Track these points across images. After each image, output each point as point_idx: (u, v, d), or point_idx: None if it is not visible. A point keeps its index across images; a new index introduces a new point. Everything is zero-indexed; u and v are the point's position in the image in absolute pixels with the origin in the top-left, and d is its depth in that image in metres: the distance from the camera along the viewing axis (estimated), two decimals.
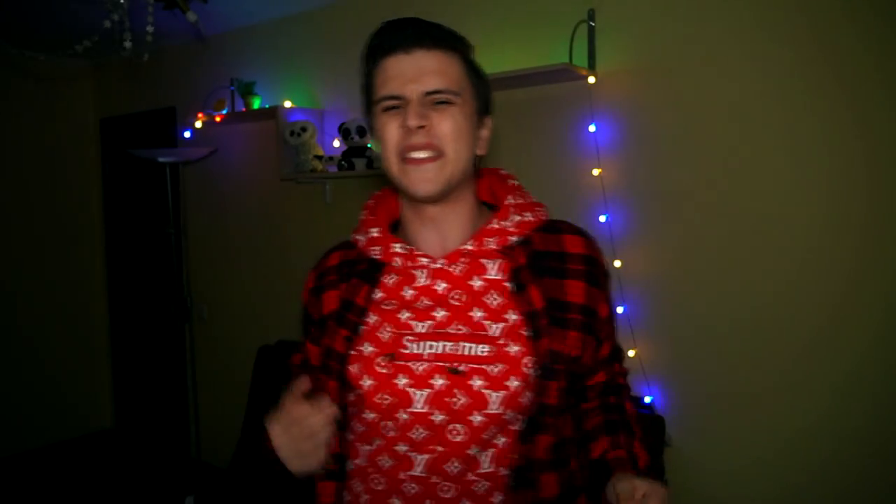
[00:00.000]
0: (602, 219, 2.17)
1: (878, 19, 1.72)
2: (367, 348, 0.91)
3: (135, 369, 4.13)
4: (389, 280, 0.94)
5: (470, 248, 0.92)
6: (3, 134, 3.79)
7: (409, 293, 0.92)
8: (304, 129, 2.75)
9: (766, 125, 1.90)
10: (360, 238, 1.00)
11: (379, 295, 0.94)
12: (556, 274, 0.92)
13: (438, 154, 0.88)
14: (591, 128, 2.18)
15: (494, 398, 0.86)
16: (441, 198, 0.92)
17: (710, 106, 1.99)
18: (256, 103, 3.14)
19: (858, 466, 1.81)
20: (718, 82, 1.97)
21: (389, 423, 0.89)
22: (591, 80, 2.15)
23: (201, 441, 3.45)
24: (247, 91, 3.13)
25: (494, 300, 0.90)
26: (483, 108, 0.96)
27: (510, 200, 0.97)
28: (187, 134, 3.49)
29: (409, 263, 0.93)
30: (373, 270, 0.96)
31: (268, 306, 3.31)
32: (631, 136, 2.14)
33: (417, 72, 0.88)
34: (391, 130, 0.90)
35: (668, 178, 2.08)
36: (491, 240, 0.92)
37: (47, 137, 3.97)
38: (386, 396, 0.88)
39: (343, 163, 2.66)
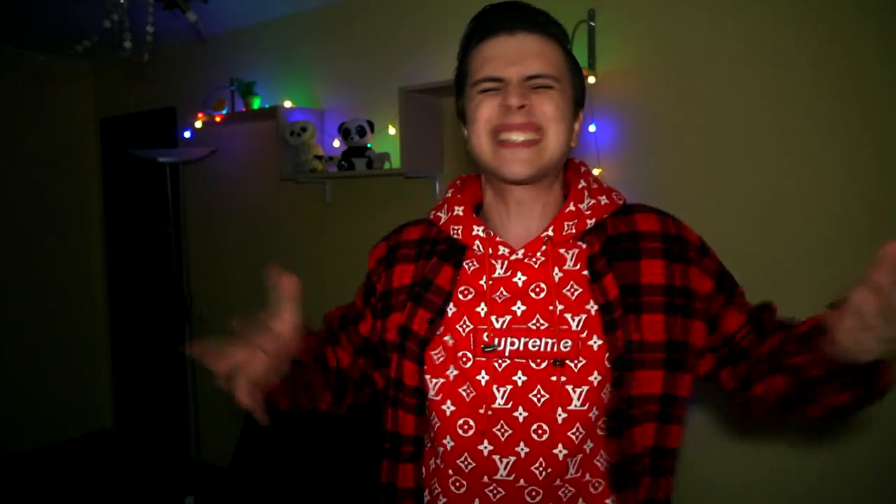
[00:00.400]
0: None
1: (883, 14, 1.72)
2: (448, 340, 0.89)
3: (135, 369, 4.13)
4: (469, 266, 0.92)
5: (550, 234, 0.88)
6: (3, 134, 3.78)
7: (486, 283, 0.90)
8: (304, 129, 2.75)
9: (767, 124, 1.90)
10: (442, 215, 0.97)
11: (458, 278, 0.92)
12: (629, 256, 0.88)
13: (537, 136, 0.85)
14: (592, 128, 2.18)
15: (577, 394, 0.84)
16: (532, 181, 0.89)
17: (710, 105, 1.99)
18: (256, 103, 3.14)
19: (865, 472, 1.81)
20: (719, 82, 1.97)
21: (471, 420, 0.87)
22: (591, 80, 2.15)
23: (201, 441, 3.45)
24: (247, 91, 3.13)
25: (574, 291, 0.87)
26: (579, 99, 0.92)
27: (582, 184, 0.93)
28: (187, 134, 3.49)
29: (490, 250, 0.91)
30: (453, 252, 0.93)
31: (268, 306, 3.30)
32: (631, 136, 2.14)
33: (520, 54, 0.85)
34: (486, 108, 0.86)
35: (668, 178, 2.08)
36: (570, 223, 0.89)
37: (47, 137, 3.96)
38: (469, 390, 0.87)
39: (343, 163, 2.66)
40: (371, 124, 2.61)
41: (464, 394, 0.87)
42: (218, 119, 3.16)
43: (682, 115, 2.04)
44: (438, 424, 0.90)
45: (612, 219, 0.92)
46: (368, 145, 2.63)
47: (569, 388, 0.84)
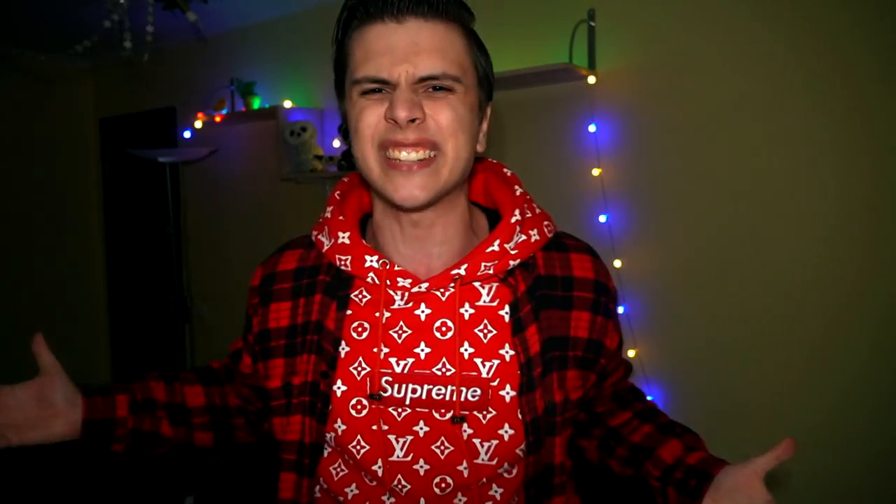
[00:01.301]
0: (602, 219, 2.17)
1: (881, 15, 1.72)
2: (340, 387, 0.76)
3: (135, 369, 4.13)
4: (361, 297, 0.78)
5: (462, 272, 0.74)
6: (3, 134, 3.79)
7: (384, 316, 0.76)
8: (304, 129, 2.76)
9: (767, 125, 1.90)
10: (325, 240, 0.80)
11: (348, 313, 0.78)
12: (560, 304, 0.78)
13: (432, 155, 0.70)
14: (591, 128, 2.18)
15: (485, 448, 0.74)
16: (429, 205, 0.74)
17: (710, 105, 1.99)
18: (256, 103, 3.14)
19: (860, 469, 1.81)
20: (718, 82, 1.97)
21: (369, 473, 0.77)
22: (591, 80, 2.15)
23: None
24: (247, 91, 3.13)
25: (487, 333, 0.76)
26: (486, 95, 0.76)
27: (517, 217, 0.77)
28: (187, 134, 3.49)
29: (387, 282, 0.76)
30: (340, 286, 0.79)
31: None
32: (631, 136, 2.14)
33: (410, 49, 0.68)
34: (370, 119, 0.70)
35: (668, 177, 2.08)
36: (488, 264, 0.75)
37: (47, 137, 3.97)
38: (363, 443, 0.76)
39: (343, 163, 2.66)
40: None
41: (363, 446, 0.76)
42: (218, 119, 3.16)
43: (682, 115, 2.04)
44: (345, 472, 0.80)
45: (546, 254, 0.80)
46: None
47: (476, 441, 0.74)
